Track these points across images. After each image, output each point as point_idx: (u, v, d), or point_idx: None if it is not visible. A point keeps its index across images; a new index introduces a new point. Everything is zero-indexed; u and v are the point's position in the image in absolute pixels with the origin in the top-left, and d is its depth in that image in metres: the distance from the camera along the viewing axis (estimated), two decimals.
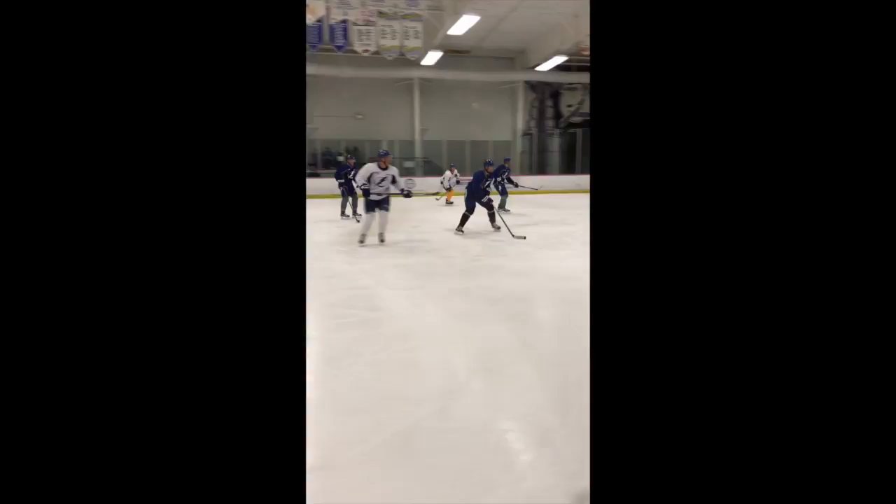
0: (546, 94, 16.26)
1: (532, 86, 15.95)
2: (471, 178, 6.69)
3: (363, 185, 5.31)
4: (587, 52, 12.28)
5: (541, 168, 16.38)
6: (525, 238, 6.00)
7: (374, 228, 5.51)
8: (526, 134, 16.47)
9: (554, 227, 7.24)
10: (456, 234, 6.38)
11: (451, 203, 10.75)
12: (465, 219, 6.44)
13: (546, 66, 14.34)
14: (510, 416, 1.87)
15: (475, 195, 6.37)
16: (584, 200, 10.74)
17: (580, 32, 11.75)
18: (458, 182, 11.08)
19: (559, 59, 13.76)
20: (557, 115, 16.85)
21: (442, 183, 11.27)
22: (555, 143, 16.56)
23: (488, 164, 6.66)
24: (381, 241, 5.53)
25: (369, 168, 5.33)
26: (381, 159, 5.34)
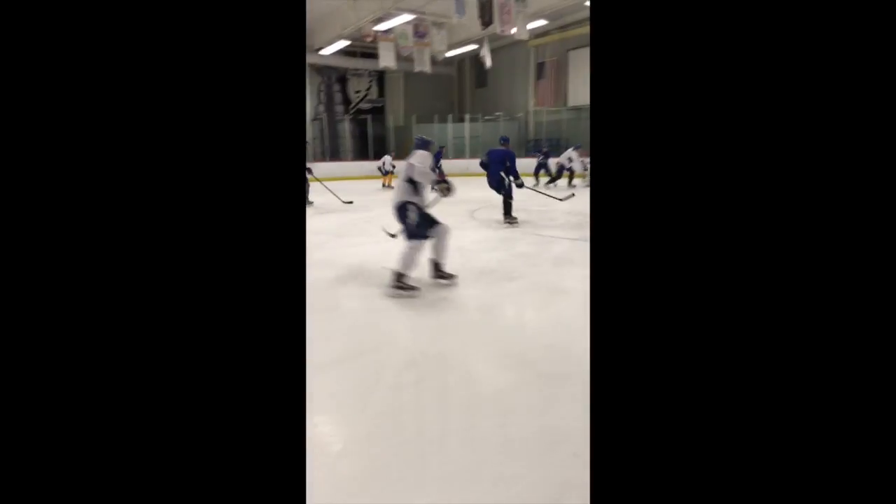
0: (333, 78, 16.02)
1: (318, 69, 15.53)
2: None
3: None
4: (370, 38, 12.43)
5: (334, 154, 16.16)
6: (574, 195, 6.34)
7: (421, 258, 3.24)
8: (315, 119, 16.02)
9: (351, 213, 7.24)
10: (510, 224, 5.75)
11: (391, 187, 10.84)
12: (509, 205, 5.80)
13: (330, 50, 14.07)
14: (319, 410, 1.83)
15: (514, 178, 5.64)
16: (376, 185, 10.97)
17: (360, 18, 11.81)
18: (394, 167, 11.16)
19: (343, 43, 13.64)
20: (346, 101, 16.76)
21: (380, 168, 11.32)
22: (346, 129, 16.49)
23: (506, 139, 5.89)
24: (444, 277, 3.40)
25: (426, 158, 3.19)
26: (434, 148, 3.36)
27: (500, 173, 5.66)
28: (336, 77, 16.24)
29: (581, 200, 6.44)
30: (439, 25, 12.50)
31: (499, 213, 6.01)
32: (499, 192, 5.78)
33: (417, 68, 12.88)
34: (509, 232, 5.38)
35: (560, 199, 6.38)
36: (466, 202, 7.92)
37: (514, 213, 5.86)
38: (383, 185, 11.45)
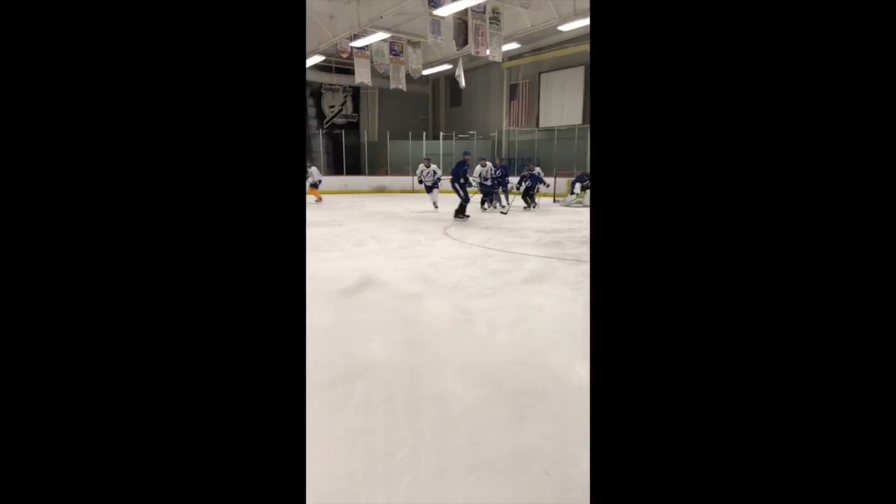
0: (307, 93, 15.96)
1: None
2: None
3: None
4: (346, 55, 12.47)
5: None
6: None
7: None
8: None
9: (323, 228, 7.15)
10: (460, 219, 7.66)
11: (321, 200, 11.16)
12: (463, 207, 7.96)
13: (306, 64, 14.04)
14: None
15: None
16: (353, 201, 10.90)
17: (337, 34, 11.86)
18: (320, 181, 11.53)
19: (319, 58, 13.65)
20: (321, 115, 16.71)
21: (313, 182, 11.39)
22: (319, 144, 16.40)
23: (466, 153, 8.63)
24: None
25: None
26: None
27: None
28: (310, 91, 16.19)
29: (550, 219, 6.46)
30: (415, 44, 12.64)
31: (470, 228, 6.02)
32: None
33: (393, 85, 12.96)
34: (481, 250, 5.41)
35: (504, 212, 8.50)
36: (439, 220, 7.94)
37: (466, 214, 7.84)
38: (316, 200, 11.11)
